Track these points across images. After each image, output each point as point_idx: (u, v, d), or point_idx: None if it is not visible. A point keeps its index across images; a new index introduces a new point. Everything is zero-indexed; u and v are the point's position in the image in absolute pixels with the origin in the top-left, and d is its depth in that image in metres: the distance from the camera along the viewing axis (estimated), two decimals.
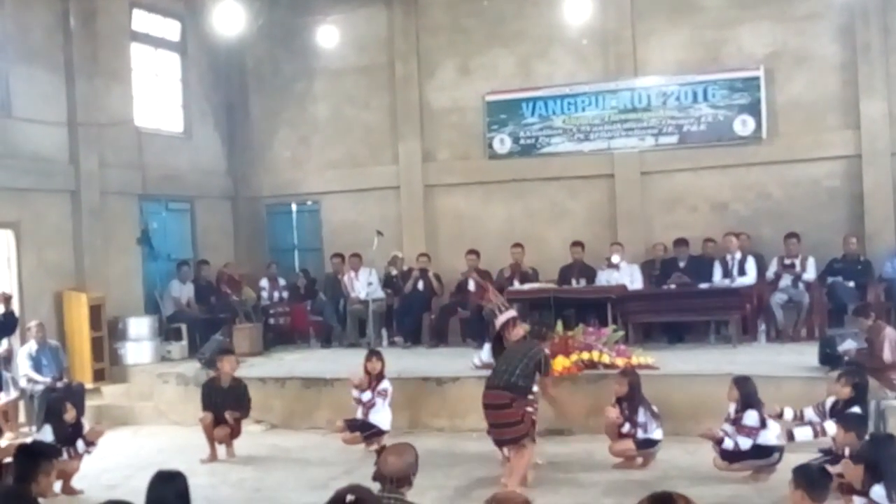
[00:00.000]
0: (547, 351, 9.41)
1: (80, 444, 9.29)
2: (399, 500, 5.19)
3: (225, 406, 10.73)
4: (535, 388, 8.88)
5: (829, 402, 8.48)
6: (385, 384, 10.43)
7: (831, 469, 6.80)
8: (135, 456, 10.82)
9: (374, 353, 10.67)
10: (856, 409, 8.09)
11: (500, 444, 8.86)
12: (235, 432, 10.87)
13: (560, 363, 11.23)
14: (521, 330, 9.24)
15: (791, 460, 7.10)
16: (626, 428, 9.36)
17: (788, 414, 8.51)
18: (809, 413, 8.48)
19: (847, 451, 7.25)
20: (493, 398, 8.65)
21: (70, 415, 9.36)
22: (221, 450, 10.77)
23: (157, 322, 14.70)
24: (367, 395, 10.36)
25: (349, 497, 3.90)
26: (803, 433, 8.06)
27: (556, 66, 16.00)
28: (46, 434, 9.16)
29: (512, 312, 9.55)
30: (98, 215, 14.38)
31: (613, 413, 9.42)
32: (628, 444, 9.39)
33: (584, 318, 12.91)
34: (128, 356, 14.13)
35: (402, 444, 5.64)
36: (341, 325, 15.49)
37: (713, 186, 15.25)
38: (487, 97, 16.22)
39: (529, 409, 8.69)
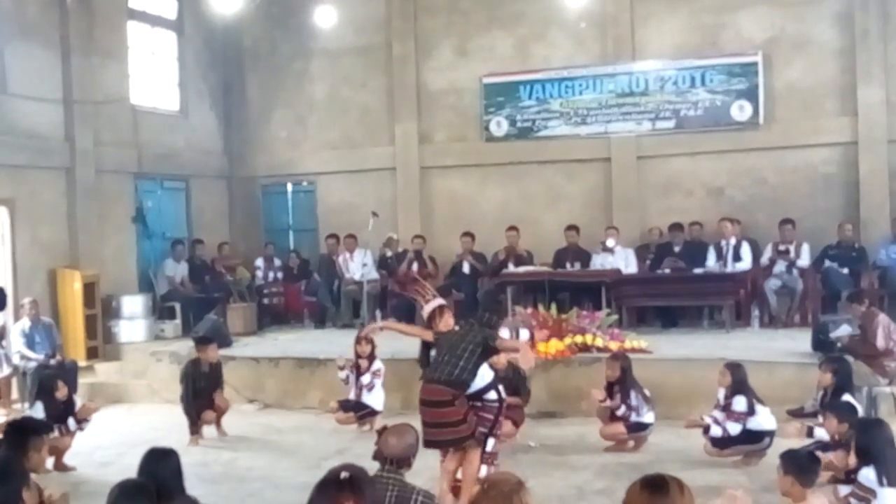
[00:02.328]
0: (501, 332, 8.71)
1: (71, 421, 9.30)
2: (397, 481, 5.21)
3: (208, 389, 10.71)
4: (494, 395, 7.77)
5: (820, 394, 8.51)
6: (378, 364, 10.45)
7: (822, 455, 6.83)
8: (128, 433, 10.82)
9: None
10: (846, 397, 8.10)
11: (435, 445, 7.59)
12: (223, 411, 10.84)
13: (554, 346, 11.27)
14: (450, 319, 8.27)
15: (781, 445, 7.12)
16: (622, 411, 9.39)
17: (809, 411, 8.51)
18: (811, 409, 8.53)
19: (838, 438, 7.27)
20: (431, 393, 7.55)
21: (62, 392, 9.38)
22: (208, 430, 10.77)
23: (150, 300, 14.70)
24: (366, 378, 10.37)
25: (343, 475, 3.90)
26: (822, 433, 7.99)
27: (553, 48, 15.96)
28: (38, 411, 9.18)
29: (439, 300, 8.54)
30: (93, 193, 14.36)
31: (599, 395, 9.47)
32: (619, 428, 9.42)
33: (578, 301, 12.95)
34: (121, 334, 14.13)
35: (402, 426, 5.64)
36: (335, 306, 15.50)
37: (709, 171, 15.24)
38: (485, 79, 16.17)
39: (487, 414, 7.67)
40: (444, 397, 7.49)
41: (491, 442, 7.77)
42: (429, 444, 7.41)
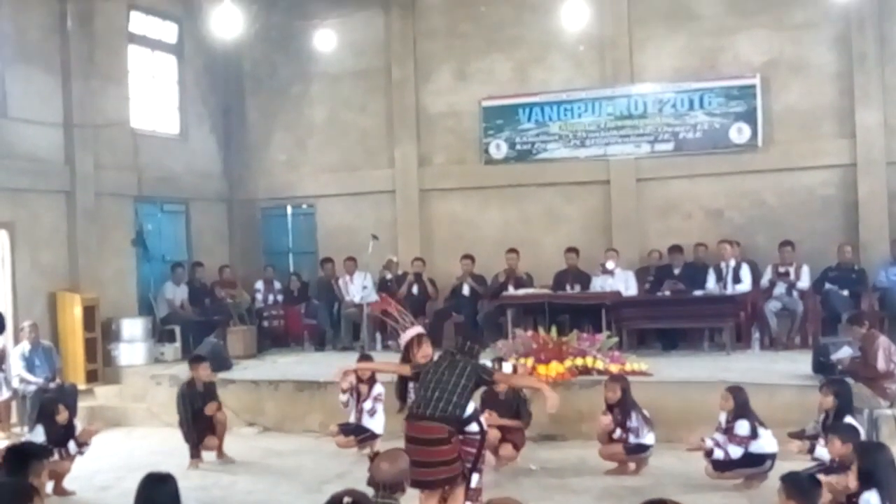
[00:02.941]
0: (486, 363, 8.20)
1: (71, 444, 9.27)
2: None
3: (204, 408, 10.67)
4: (475, 427, 7.37)
5: (822, 417, 8.50)
6: (379, 388, 10.41)
7: (822, 478, 6.81)
8: (127, 457, 10.80)
9: (364, 358, 10.67)
10: (848, 420, 8.09)
11: (429, 486, 7.04)
12: (220, 433, 10.75)
13: (554, 369, 11.26)
14: (428, 349, 7.83)
15: (783, 468, 7.09)
16: (618, 433, 9.37)
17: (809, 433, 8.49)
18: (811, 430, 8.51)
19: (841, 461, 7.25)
20: (424, 431, 7.03)
21: (62, 416, 9.35)
22: (208, 454, 10.73)
23: (150, 323, 14.67)
24: (367, 404, 10.32)
25: (346, 499, 3.89)
26: (823, 452, 7.98)
27: (552, 72, 16.02)
28: (38, 435, 9.15)
29: (418, 328, 8.19)
30: (93, 216, 14.36)
31: (606, 419, 9.43)
32: (617, 448, 9.40)
33: (578, 323, 12.93)
34: (121, 357, 14.10)
35: (394, 451, 5.63)
36: (335, 329, 15.50)
37: (708, 194, 15.27)
38: (484, 102, 16.23)
39: (469, 448, 7.26)
40: (440, 434, 7.02)
41: (476, 477, 7.38)
42: (421, 484, 6.91)
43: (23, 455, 6.21)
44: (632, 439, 9.35)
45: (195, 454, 10.49)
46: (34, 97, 13.73)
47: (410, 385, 7.69)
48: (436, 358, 7.70)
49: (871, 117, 14.26)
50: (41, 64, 13.87)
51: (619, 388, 9.44)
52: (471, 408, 7.39)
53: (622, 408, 9.38)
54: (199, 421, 10.58)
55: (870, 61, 14.29)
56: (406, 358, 7.87)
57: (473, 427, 7.38)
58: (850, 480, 6.43)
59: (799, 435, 8.65)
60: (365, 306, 14.44)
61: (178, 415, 10.69)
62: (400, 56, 16.70)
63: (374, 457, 5.53)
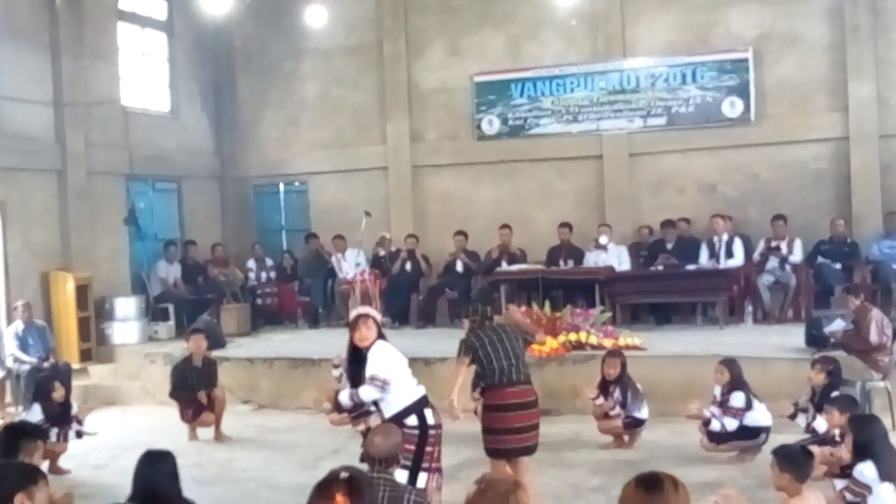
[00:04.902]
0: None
1: (72, 432, 9.31)
2: (388, 481, 5.20)
3: (200, 386, 10.71)
4: (414, 420, 6.85)
5: (810, 394, 8.53)
6: None
7: (816, 450, 6.85)
8: (122, 436, 10.81)
9: None
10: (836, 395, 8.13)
11: (530, 451, 7.26)
12: (219, 410, 10.80)
13: (548, 344, 11.27)
14: (369, 332, 7.05)
15: (777, 441, 7.13)
16: (616, 411, 9.40)
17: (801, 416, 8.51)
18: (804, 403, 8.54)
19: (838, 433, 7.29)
20: (523, 395, 7.23)
21: (59, 393, 9.37)
22: (203, 432, 10.78)
23: (144, 302, 14.66)
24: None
25: (342, 475, 3.89)
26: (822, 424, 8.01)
27: (545, 47, 15.95)
28: (35, 413, 9.16)
29: (367, 309, 7.46)
30: (84, 195, 14.32)
31: (591, 392, 9.47)
32: (617, 423, 9.45)
33: (571, 299, 12.95)
34: (115, 336, 14.10)
35: (386, 425, 5.65)
36: (326, 304, 15.52)
37: (701, 168, 15.26)
38: (476, 78, 16.17)
39: (408, 445, 6.56)
40: (534, 396, 7.35)
41: (422, 477, 6.71)
42: (527, 450, 7.18)
43: (16, 434, 6.19)
44: (625, 414, 9.40)
45: (187, 419, 10.68)
46: (24, 76, 13.65)
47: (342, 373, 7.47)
48: (477, 332, 7.50)
49: (863, 90, 14.23)
50: (30, 42, 13.78)
51: (618, 364, 9.46)
52: (412, 397, 6.96)
53: (620, 383, 9.40)
54: (193, 396, 10.64)
55: (863, 34, 14.25)
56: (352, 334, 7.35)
57: (412, 420, 6.83)
58: (844, 452, 6.47)
59: (794, 406, 8.67)
60: (358, 283, 14.44)
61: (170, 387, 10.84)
62: (392, 31, 16.62)
63: (365, 433, 5.52)
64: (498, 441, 7.25)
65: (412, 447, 6.67)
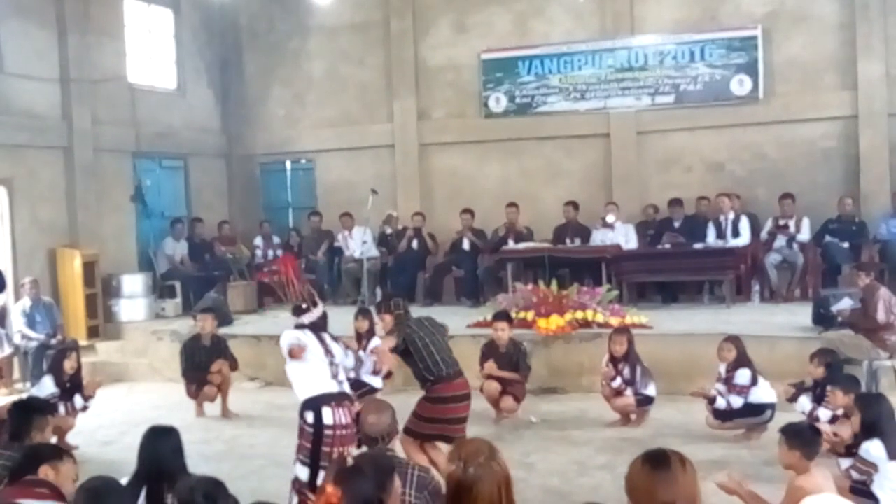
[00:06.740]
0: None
1: (77, 399, 9.31)
2: (392, 456, 5.19)
3: (208, 364, 10.73)
4: (311, 417, 6.76)
5: (808, 384, 8.53)
6: (376, 341, 10.38)
7: (823, 427, 6.86)
8: (129, 412, 10.85)
9: (361, 312, 10.63)
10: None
11: (451, 441, 6.83)
12: (225, 385, 10.83)
13: (554, 322, 11.28)
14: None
15: (783, 419, 7.13)
16: (626, 389, 9.40)
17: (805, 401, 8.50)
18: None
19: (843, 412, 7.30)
20: (464, 387, 7.48)
21: (71, 362, 9.37)
22: (210, 408, 10.81)
23: (150, 279, 14.70)
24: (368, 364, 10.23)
25: (365, 454, 3.90)
26: (826, 414, 8.01)
27: (552, 24, 15.87)
28: (47, 386, 9.17)
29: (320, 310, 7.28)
30: (91, 172, 14.32)
31: (610, 374, 9.44)
32: (630, 400, 9.44)
33: (578, 277, 12.94)
34: (122, 313, 14.14)
35: (376, 401, 5.62)
36: (335, 284, 15.52)
37: (709, 146, 15.19)
38: (483, 55, 16.10)
39: (304, 442, 6.76)
40: (468, 390, 7.56)
41: (303, 471, 6.58)
42: (452, 440, 6.82)
43: (27, 410, 6.22)
44: (635, 391, 9.40)
45: (192, 394, 10.76)
46: (30, 52, 13.63)
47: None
48: (409, 324, 7.58)
49: (873, 69, 14.15)
50: (37, 19, 13.76)
51: (625, 341, 9.45)
52: (314, 389, 6.80)
53: (629, 361, 9.39)
54: (202, 375, 10.66)
55: (873, 12, 14.15)
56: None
57: (309, 417, 6.67)
58: (846, 431, 6.47)
59: (799, 386, 8.68)
60: (365, 261, 14.45)
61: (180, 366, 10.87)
62: (398, 8, 16.54)
63: (357, 415, 5.46)
64: (443, 429, 7.32)
65: (308, 445, 6.58)
